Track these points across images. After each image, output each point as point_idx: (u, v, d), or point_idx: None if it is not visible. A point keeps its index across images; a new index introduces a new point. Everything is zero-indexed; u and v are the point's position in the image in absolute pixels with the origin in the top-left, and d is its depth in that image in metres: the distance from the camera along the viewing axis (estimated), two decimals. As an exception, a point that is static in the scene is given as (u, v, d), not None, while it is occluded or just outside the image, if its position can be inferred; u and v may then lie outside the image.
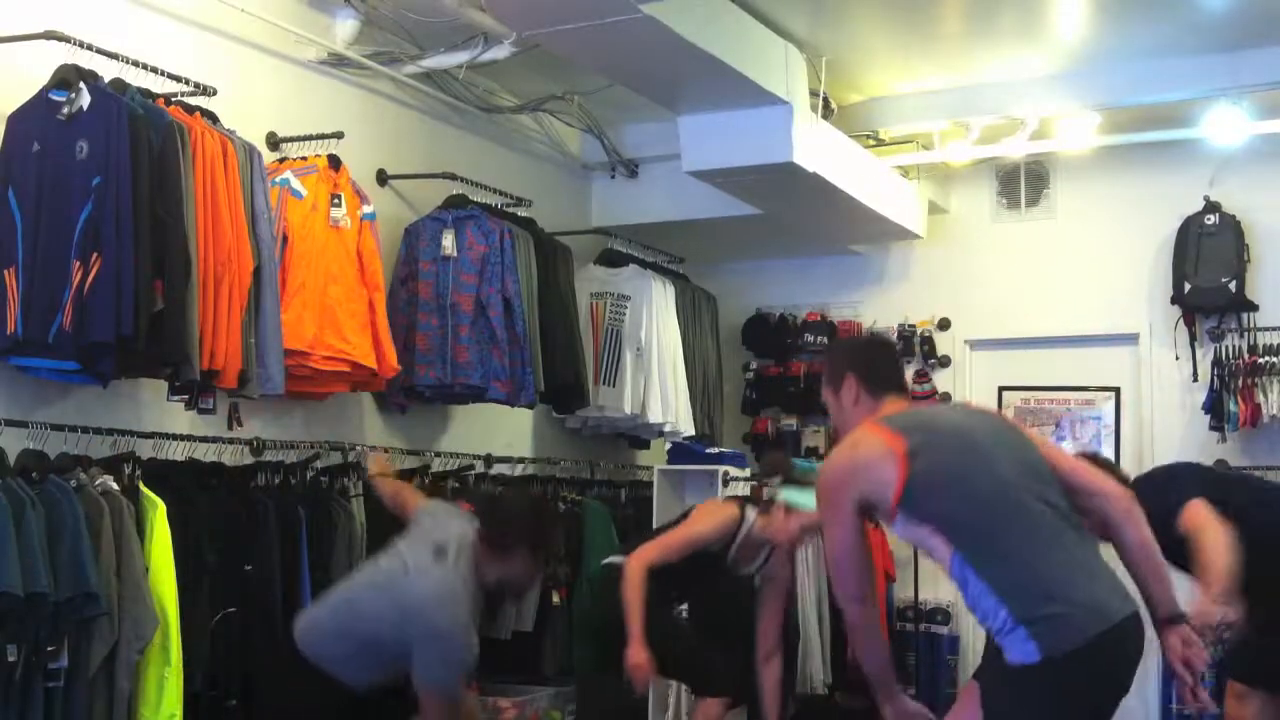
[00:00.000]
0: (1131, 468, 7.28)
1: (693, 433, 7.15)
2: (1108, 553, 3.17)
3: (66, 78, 4.18)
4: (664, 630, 4.86)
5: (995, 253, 7.72)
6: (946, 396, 7.81)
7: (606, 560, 5.14)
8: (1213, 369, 6.96)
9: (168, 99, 4.49)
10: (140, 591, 4.10)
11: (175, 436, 4.67)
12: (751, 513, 4.98)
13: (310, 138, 5.28)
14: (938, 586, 7.29)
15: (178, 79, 4.57)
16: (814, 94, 6.26)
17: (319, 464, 5.25)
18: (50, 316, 4.01)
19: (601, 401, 6.77)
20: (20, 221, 4.10)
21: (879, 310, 8.00)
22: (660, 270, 7.24)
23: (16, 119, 4.21)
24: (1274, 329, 6.93)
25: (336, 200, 5.12)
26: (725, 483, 6.74)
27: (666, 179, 7.05)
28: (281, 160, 5.19)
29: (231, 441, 4.94)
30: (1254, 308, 6.97)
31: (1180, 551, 4.52)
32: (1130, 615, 2.97)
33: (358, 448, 5.52)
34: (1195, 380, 7.12)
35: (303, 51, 5.50)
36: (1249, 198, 7.07)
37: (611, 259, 7.10)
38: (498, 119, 6.66)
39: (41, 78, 4.22)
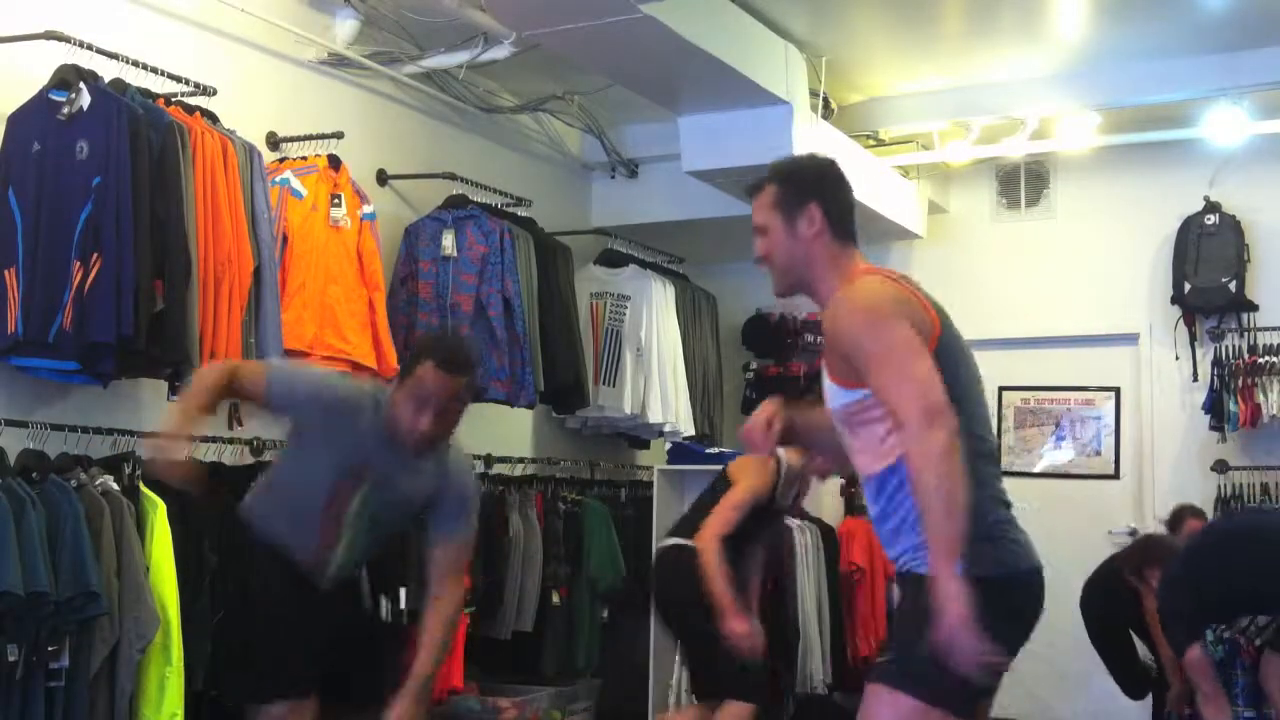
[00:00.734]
0: (1131, 468, 7.33)
1: (693, 433, 7.15)
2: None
3: (66, 78, 4.18)
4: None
5: (995, 253, 7.72)
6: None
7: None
8: (1213, 369, 6.96)
9: (168, 99, 4.49)
10: (141, 591, 4.10)
11: (175, 436, 4.66)
12: (782, 451, 4.99)
13: (310, 138, 5.28)
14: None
15: (178, 79, 4.57)
16: (814, 94, 6.26)
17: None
18: (50, 316, 4.01)
19: (601, 401, 6.77)
20: (20, 221, 4.10)
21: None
22: (660, 270, 7.24)
23: (16, 119, 4.21)
24: (1274, 329, 6.93)
25: (336, 200, 5.12)
26: (725, 483, 6.74)
27: (666, 179, 7.05)
28: (281, 160, 5.19)
29: (231, 441, 4.93)
30: (1254, 308, 6.97)
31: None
32: (1041, 569, 2.81)
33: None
34: (1195, 380, 7.12)
35: (303, 51, 5.50)
36: (1249, 198, 7.07)
37: (611, 259, 7.10)
38: (498, 119, 6.66)
39: (41, 78, 4.22)
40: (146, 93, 4.41)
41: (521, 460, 6.60)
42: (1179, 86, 6.38)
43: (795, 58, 6.04)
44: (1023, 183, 7.72)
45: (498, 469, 6.24)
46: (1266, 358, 6.84)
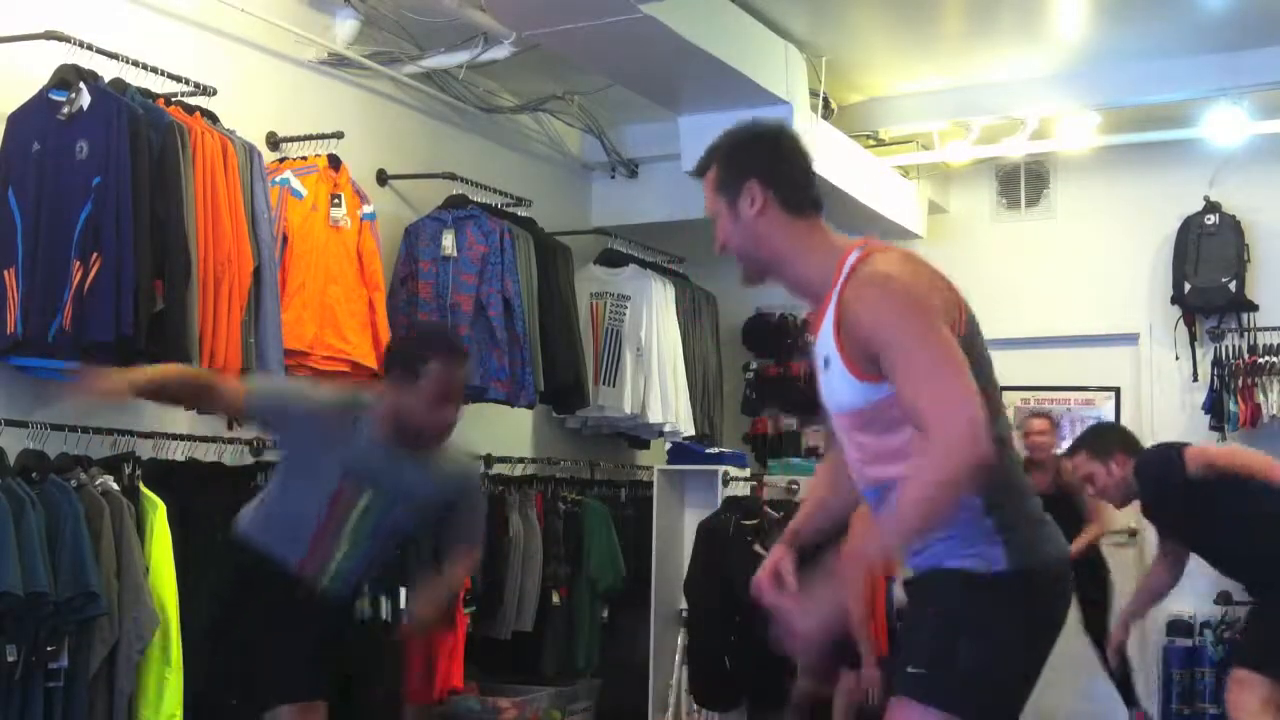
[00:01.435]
0: (1131, 468, 7.32)
1: (693, 433, 7.15)
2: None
3: (66, 78, 4.18)
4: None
5: (995, 253, 7.71)
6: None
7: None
8: (1213, 369, 6.97)
9: (168, 99, 4.49)
10: (140, 591, 4.10)
11: (175, 436, 4.67)
12: None
13: (310, 138, 5.28)
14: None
15: (178, 79, 4.57)
16: (814, 94, 6.26)
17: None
18: (50, 316, 4.01)
19: (601, 401, 6.77)
20: (20, 221, 4.10)
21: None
22: (660, 270, 7.24)
23: (16, 119, 4.21)
24: (1274, 329, 6.93)
25: (336, 200, 5.12)
26: (725, 483, 6.75)
27: (666, 179, 7.05)
28: (281, 160, 5.19)
29: (231, 441, 4.93)
30: (1254, 308, 6.97)
31: (1193, 518, 4.58)
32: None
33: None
34: (1195, 380, 7.13)
35: (303, 51, 5.50)
36: (1249, 198, 7.08)
37: (611, 259, 7.10)
38: (498, 119, 6.66)
39: (41, 78, 4.22)
40: (146, 93, 4.41)
41: (521, 460, 6.60)
42: (1179, 86, 6.38)
43: (795, 58, 6.04)
44: (1023, 183, 7.72)
45: (498, 469, 6.24)
46: (1266, 358, 6.85)
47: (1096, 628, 6.27)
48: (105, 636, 4.02)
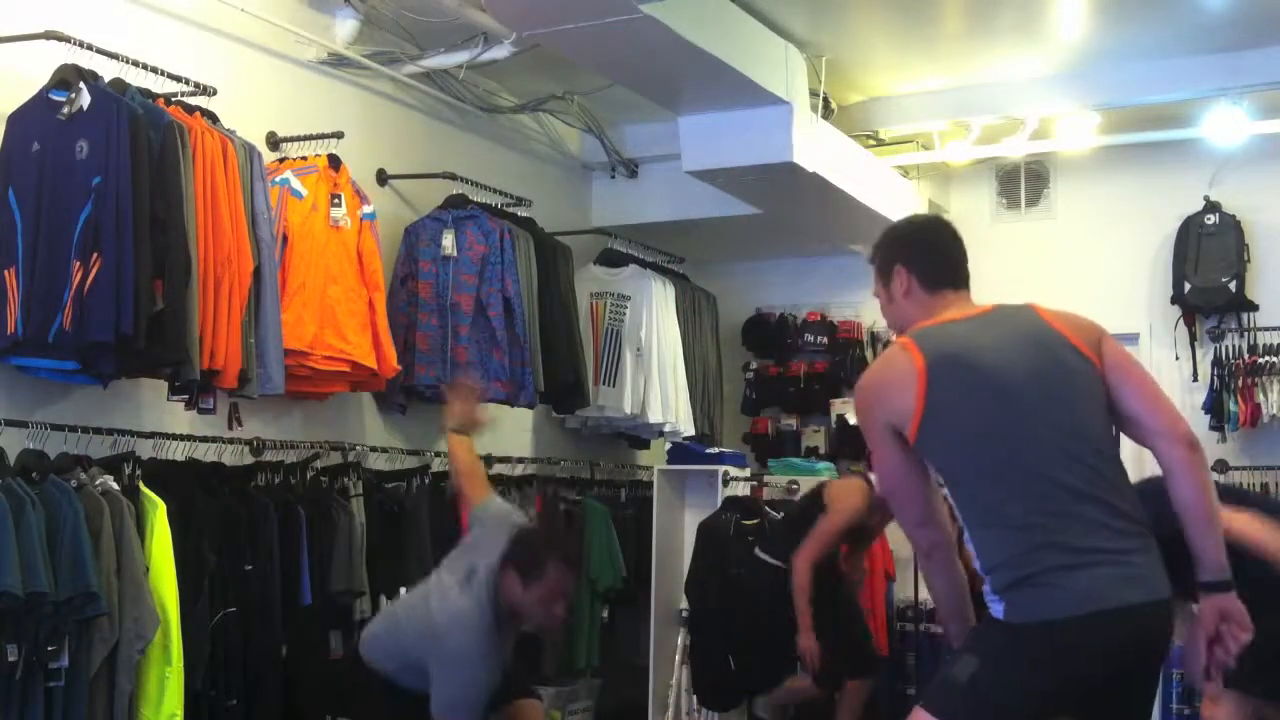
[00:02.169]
0: (1132, 468, 7.28)
1: (693, 433, 7.15)
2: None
3: (66, 78, 4.18)
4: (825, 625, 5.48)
5: (995, 253, 7.68)
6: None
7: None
8: (1213, 369, 6.97)
9: (168, 99, 4.49)
10: (141, 591, 4.10)
11: (175, 436, 4.67)
12: (874, 475, 5.23)
13: (310, 138, 5.28)
14: (938, 586, 7.28)
15: (178, 79, 4.57)
16: (814, 94, 6.26)
17: (319, 464, 5.25)
18: (50, 316, 4.01)
19: (601, 401, 6.77)
20: (20, 221, 4.10)
21: (879, 310, 7.97)
22: (660, 270, 7.25)
23: (16, 119, 4.21)
24: (1274, 329, 6.93)
25: (336, 200, 5.12)
26: (725, 483, 6.75)
27: (666, 179, 7.05)
28: (281, 160, 5.19)
29: (231, 441, 4.94)
30: (1254, 308, 6.97)
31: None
32: (1143, 604, 2.69)
33: (358, 448, 5.52)
34: (1195, 380, 7.12)
35: (303, 51, 5.50)
36: (1249, 198, 7.07)
37: (611, 259, 7.10)
38: (498, 119, 6.66)
39: (41, 78, 4.22)
40: (146, 93, 4.41)
41: (521, 460, 6.60)
42: (1179, 86, 6.38)
43: (795, 58, 6.04)
44: (1023, 183, 7.72)
45: (498, 469, 6.24)
46: (1266, 358, 6.84)
47: None
48: (105, 636, 4.02)
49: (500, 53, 5.63)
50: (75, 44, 4.25)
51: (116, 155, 4.09)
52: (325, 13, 5.62)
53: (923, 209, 7.59)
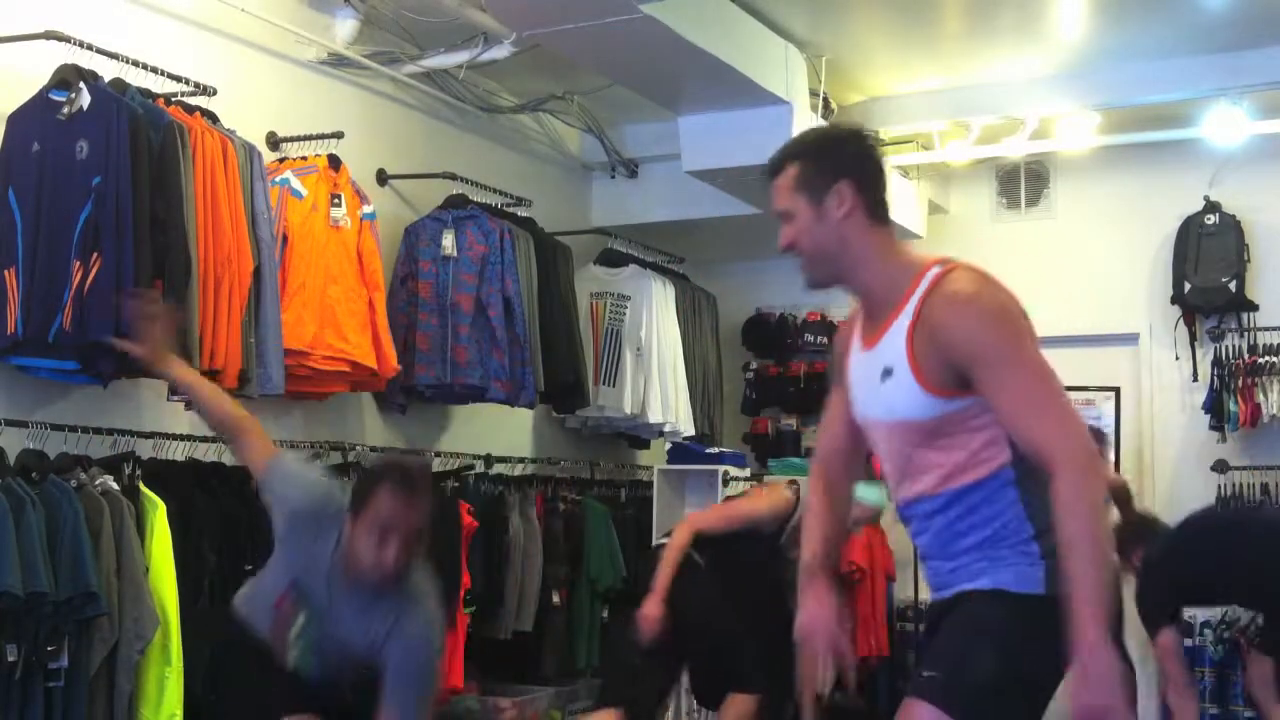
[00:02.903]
0: (1132, 468, 7.33)
1: (693, 433, 7.15)
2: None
3: (66, 78, 4.18)
4: (709, 607, 4.83)
5: (995, 253, 7.67)
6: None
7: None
8: (1213, 369, 6.96)
9: (168, 99, 4.49)
10: (140, 591, 4.10)
11: (175, 436, 4.67)
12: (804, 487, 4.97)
13: (310, 138, 5.28)
14: (938, 586, 7.28)
15: (178, 79, 4.57)
16: (814, 94, 6.26)
17: (319, 464, 5.24)
18: (50, 316, 4.01)
19: (601, 401, 6.77)
20: (20, 221, 4.10)
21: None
22: (660, 270, 7.24)
23: (16, 119, 4.21)
24: (1274, 329, 6.93)
25: (336, 200, 5.12)
26: (725, 483, 6.74)
27: (666, 179, 7.05)
28: (281, 160, 5.19)
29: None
30: (1254, 308, 6.97)
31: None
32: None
33: (358, 448, 5.52)
34: (1195, 380, 7.12)
35: (303, 51, 5.50)
36: (1249, 198, 7.07)
37: (611, 259, 7.10)
38: (498, 119, 6.66)
39: (41, 78, 4.22)
40: (146, 93, 4.41)
41: (521, 460, 6.60)
42: (1179, 86, 6.38)
43: (795, 58, 6.04)
44: (1023, 183, 7.72)
45: (498, 469, 6.24)
46: (1266, 358, 6.84)
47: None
48: (105, 636, 4.02)
49: (500, 53, 5.63)
50: (75, 44, 4.25)
51: (116, 155, 4.09)
52: (325, 13, 5.62)
53: (923, 209, 7.60)
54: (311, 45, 5.50)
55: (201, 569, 4.45)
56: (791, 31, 5.96)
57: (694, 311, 7.40)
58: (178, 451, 4.68)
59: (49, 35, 4.23)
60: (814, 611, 2.76)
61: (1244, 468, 6.84)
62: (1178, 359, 7.19)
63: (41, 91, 4.20)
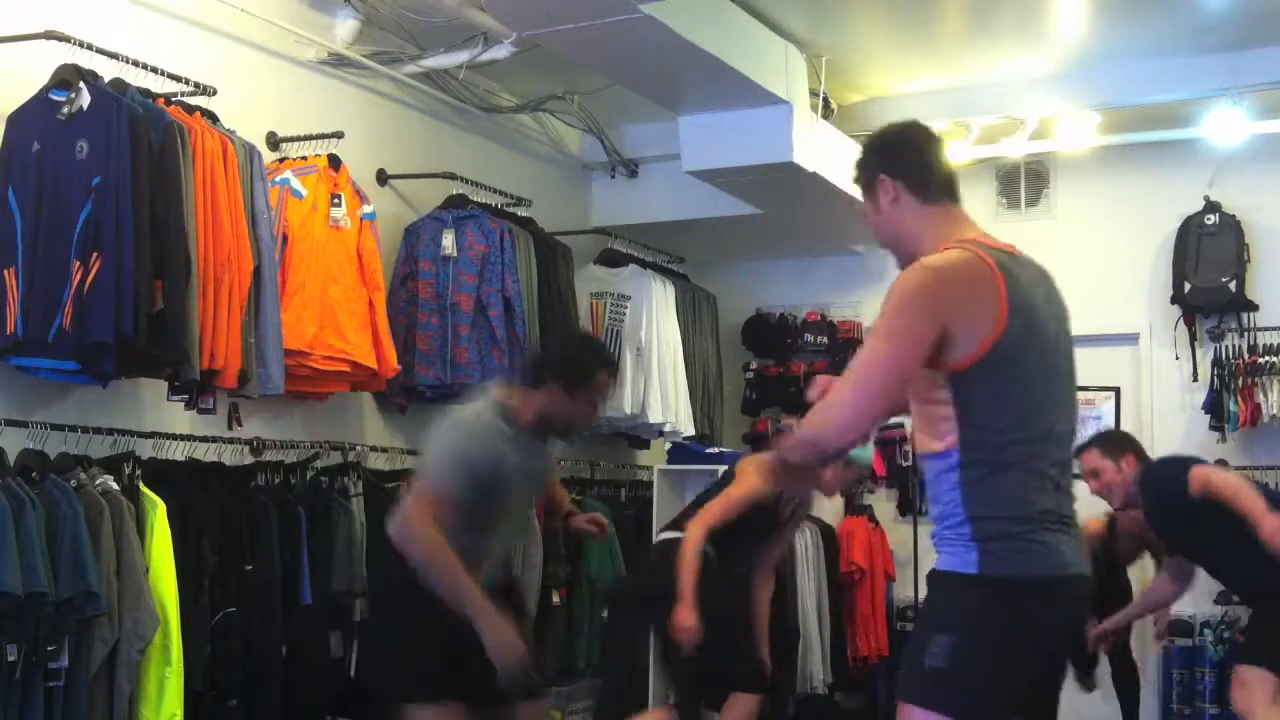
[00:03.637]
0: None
1: (693, 433, 7.15)
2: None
3: (66, 78, 4.18)
4: (727, 606, 4.88)
5: (995, 253, 7.71)
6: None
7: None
8: (1213, 369, 6.96)
9: (168, 99, 4.49)
10: (140, 591, 4.10)
11: (175, 436, 4.67)
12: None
13: (310, 138, 5.28)
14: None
15: (178, 79, 4.57)
16: (814, 94, 6.26)
17: (319, 464, 5.25)
18: (50, 316, 4.01)
19: (602, 401, 6.76)
20: (20, 221, 4.09)
21: (879, 310, 7.99)
22: (660, 270, 7.25)
23: (16, 119, 4.21)
24: (1274, 329, 6.93)
25: (336, 200, 5.12)
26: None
27: (666, 179, 7.05)
28: (281, 160, 5.19)
29: (231, 441, 4.94)
30: (1254, 308, 6.97)
31: (1192, 530, 4.65)
32: (1086, 576, 2.72)
33: (358, 448, 5.52)
34: (1195, 380, 7.12)
35: (303, 51, 5.50)
36: (1249, 198, 7.07)
37: (611, 259, 7.10)
38: (498, 119, 6.66)
39: (41, 78, 4.22)
40: (146, 93, 4.41)
41: (521, 460, 6.58)
42: (1179, 86, 6.38)
43: (795, 58, 6.04)
44: (1023, 183, 7.72)
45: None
46: (1266, 358, 6.84)
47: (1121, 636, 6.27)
48: (105, 636, 4.02)
49: (500, 53, 5.63)
50: (75, 44, 4.25)
51: (116, 155, 4.08)
52: (325, 13, 5.62)
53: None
54: (311, 45, 5.50)
55: (201, 569, 4.45)
56: (791, 31, 5.96)
57: (694, 311, 7.40)
58: (178, 451, 4.68)
59: (49, 35, 4.23)
60: None
61: (1244, 468, 6.82)
62: (1178, 359, 7.19)
63: (41, 91, 4.19)
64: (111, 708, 4.08)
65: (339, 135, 5.28)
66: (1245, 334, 6.95)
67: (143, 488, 4.29)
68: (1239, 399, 6.82)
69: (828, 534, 6.96)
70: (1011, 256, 2.77)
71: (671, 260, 7.48)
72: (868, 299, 8.07)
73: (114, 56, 4.36)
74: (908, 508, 7.63)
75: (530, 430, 3.92)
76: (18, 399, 4.28)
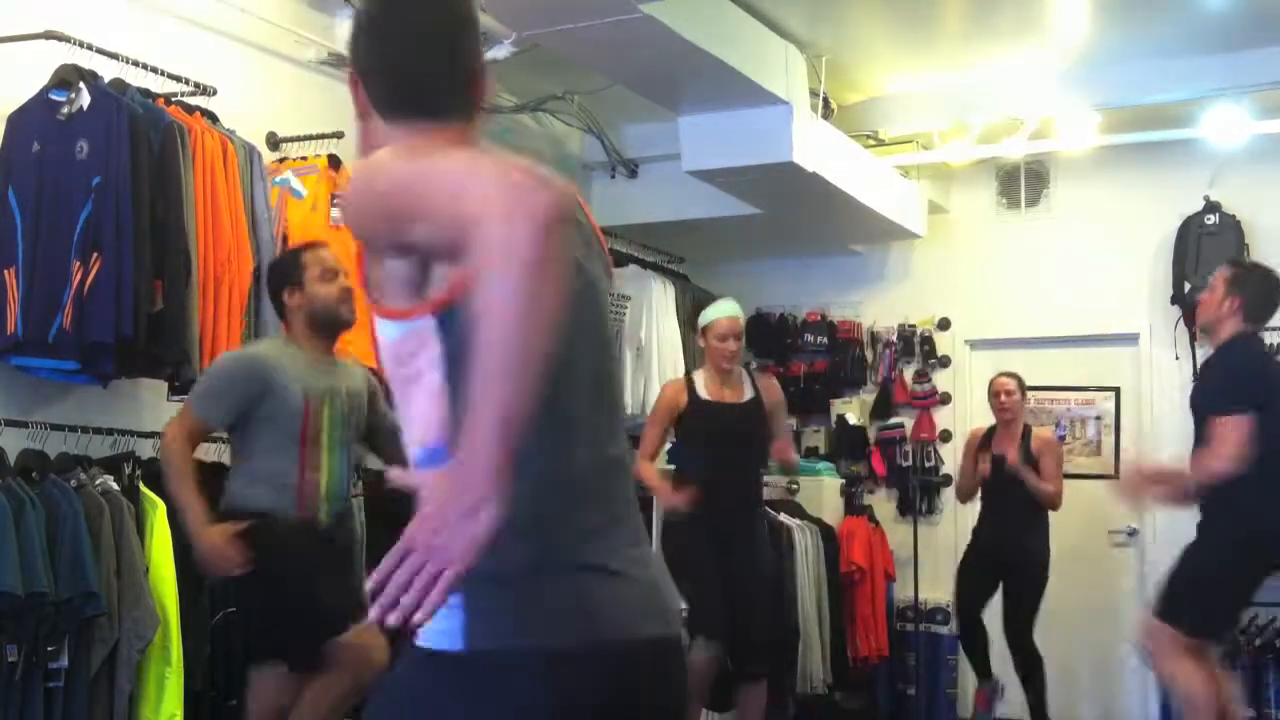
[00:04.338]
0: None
1: (693, 433, 7.14)
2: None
3: (66, 78, 4.18)
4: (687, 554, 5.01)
5: (995, 253, 7.72)
6: (946, 397, 7.83)
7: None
8: (1213, 369, 6.95)
9: (168, 99, 4.49)
10: (140, 591, 4.10)
11: (175, 436, 4.66)
12: (697, 372, 5.49)
13: (310, 138, 5.27)
14: (937, 586, 7.29)
15: (178, 79, 4.57)
16: (814, 94, 6.26)
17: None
18: (50, 316, 4.01)
19: (602, 401, 6.76)
20: (20, 221, 4.10)
21: (879, 310, 8.01)
22: (660, 270, 7.24)
23: (16, 119, 4.21)
24: (1274, 329, 6.91)
25: (337, 200, 5.12)
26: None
27: (666, 179, 7.05)
28: (281, 160, 5.19)
29: (231, 441, 4.93)
30: (1254, 308, 6.96)
31: None
32: (662, 637, 1.81)
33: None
34: (1195, 380, 7.12)
35: (303, 51, 5.50)
36: (1249, 198, 7.07)
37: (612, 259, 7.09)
38: (498, 118, 6.65)
39: (41, 78, 4.22)
40: (146, 93, 4.41)
41: (521, 460, 6.58)
42: (1179, 86, 6.38)
43: (795, 58, 6.04)
44: (1023, 183, 7.72)
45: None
46: (1267, 358, 6.83)
47: (1016, 625, 6.35)
48: (105, 636, 4.02)
49: (500, 53, 5.62)
50: (75, 44, 4.25)
51: (116, 155, 4.09)
52: (325, 13, 5.62)
53: (923, 209, 7.60)
54: (311, 45, 5.50)
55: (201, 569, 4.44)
56: (791, 31, 5.96)
57: (694, 311, 7.39)
58: (178, 451, 4.67)
59: (49, 35, 4.23)
60: None
61: (1244, 468, 6.83)
62: (1178, 359, 7.19)
63: (41, 91, 4.20)
64: (111, 708, 4.08)
65: (339, 135, 5.27)
66: (1245, 334, 6.94)
67: (143, 488, 4.29)
68: (1239, 399, 6.80)
69: (828, 534, 6.96)
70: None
71: (671, 260, 7.48)
72: (867, 299, 8.08)
73: (114, 56, 4.36)
74: (908, 508, 7.64)
75: (314, 349, 4.10)
76: (18, 399, 4.28)
